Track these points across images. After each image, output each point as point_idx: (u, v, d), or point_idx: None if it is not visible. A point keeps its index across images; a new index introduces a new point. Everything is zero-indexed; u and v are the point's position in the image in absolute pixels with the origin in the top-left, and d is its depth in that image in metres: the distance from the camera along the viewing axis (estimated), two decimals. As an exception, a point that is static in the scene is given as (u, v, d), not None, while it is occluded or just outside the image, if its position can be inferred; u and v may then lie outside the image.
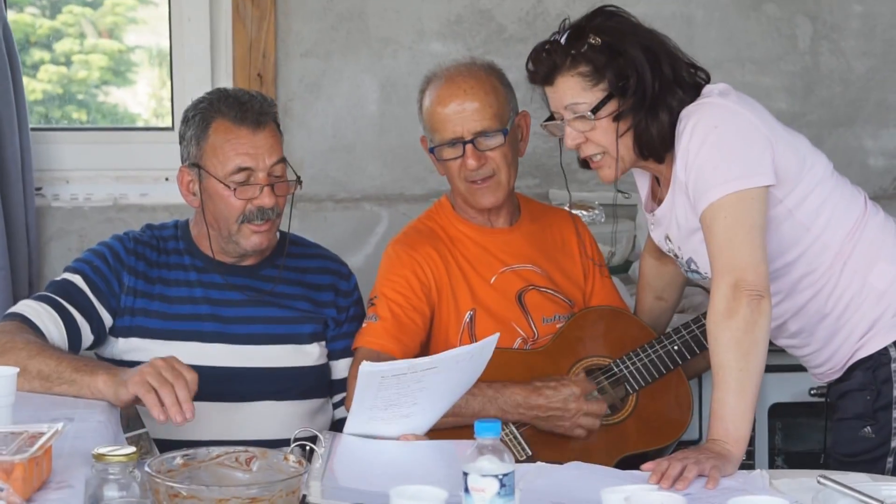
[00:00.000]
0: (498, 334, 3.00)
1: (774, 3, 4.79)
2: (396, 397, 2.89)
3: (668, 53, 3.14)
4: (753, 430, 3.79)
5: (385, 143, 4.68)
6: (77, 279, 3.33)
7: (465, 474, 2.32)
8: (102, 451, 2.36)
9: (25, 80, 4.53)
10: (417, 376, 2.86)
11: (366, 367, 2.83)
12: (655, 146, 3.12)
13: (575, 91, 3.11)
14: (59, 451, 2.53)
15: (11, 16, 4.66)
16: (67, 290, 3.31)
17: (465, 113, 3.44)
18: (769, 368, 3.71)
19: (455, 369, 2.94)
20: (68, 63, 4.83)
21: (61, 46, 4.82)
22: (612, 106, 3.10)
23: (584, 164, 3.23)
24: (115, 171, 4.65)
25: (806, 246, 3.10)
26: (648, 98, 3.08)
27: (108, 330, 3.34)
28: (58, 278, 3.36)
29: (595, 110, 3.10)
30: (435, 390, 2.93)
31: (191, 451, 2.58)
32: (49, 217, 4.55)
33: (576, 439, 3.38)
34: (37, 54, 4.80)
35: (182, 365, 2.92)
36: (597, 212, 4.36)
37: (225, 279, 3.41)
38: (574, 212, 4.07)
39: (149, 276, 3.39)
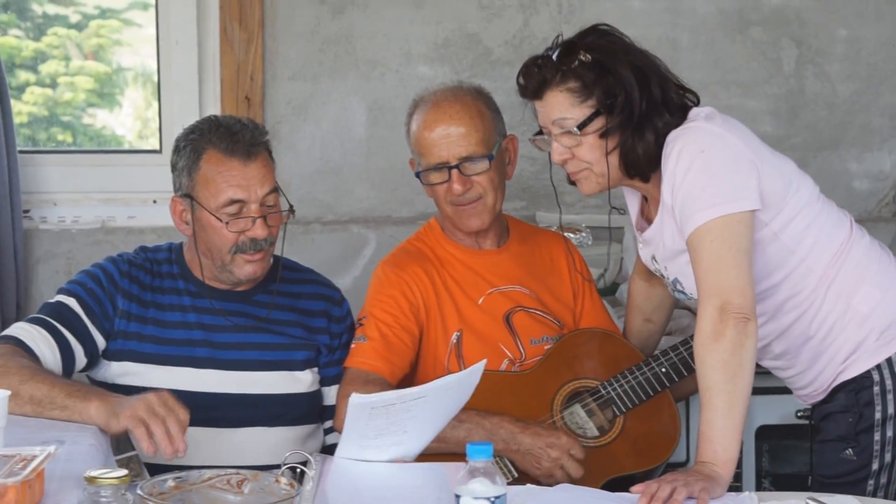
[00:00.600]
0: (485, 360, 2.99)
1: (760, 26, 4.82)
2: (386, 426, 2.88)
3: (658, 74, 3.16)
4: (741, 451, 3.79)
5: (373, 165, 4.69)
6: (71, 301, 3.32)
7: (458, 497, 2.33)
8: (94, 473, 2.36)
9: (11, 102, 4.53)
10: (407, 406, 2.85)
11: (355, 398, 2.82)
12: (641, 165, 3.14)
13: (563, 106, 3.13)
14: (51, 473, 2.53)
15: (-5, 39, 4.69)
16: (61, 312, 3.30)
17: (450, 138, 3.45)
18: (756, 391, 3.71)
19: (444, 397, 2.94)
20: (54, 85, 4.83)
21: (46, 68, 4.82)
22: (599, 123, 3.12)
23: (570, 180, 3.25)
24: (103, 193, 4.65)
25: (791, 268, 3.12)
26: (636, 117, 3.10)
27: (100, 353, 3.33)
28: (51, 300, 3.35)
29: (581, 126, 3.11)
30: (424, 418, 2.93)
31: (182, 474, 2.58)
32: (37, 239, 4.55)
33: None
34: (22, 76, 4.80)
35: (175, 402, 2.90)
36: (584, 234, 4.36)
37: (219, 304, 3.40)
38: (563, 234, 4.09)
39: (142, 299, 3.38)
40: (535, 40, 4.67)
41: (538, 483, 3.24)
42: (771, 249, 3.10)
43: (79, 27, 4.84)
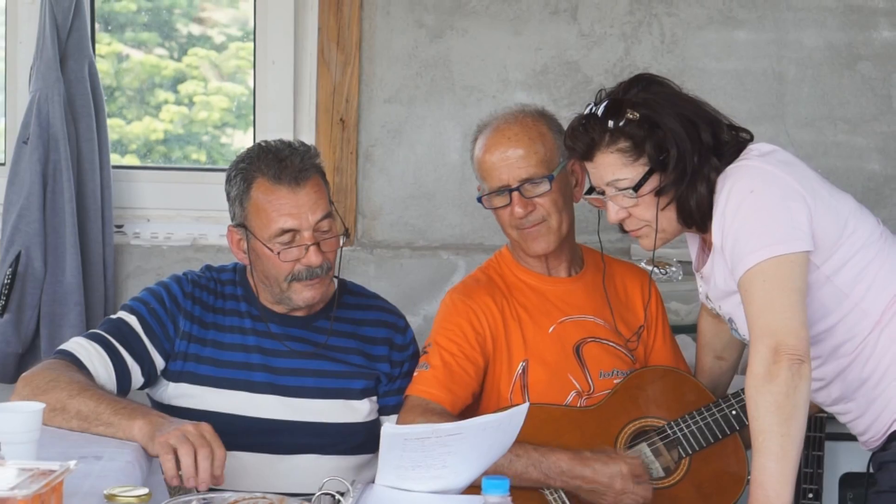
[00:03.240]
0: (528, 403, 2.93)
1: (870, 61, 4.67)
2: (423, 459, 2.82)
3: (707, 120, 3.09)
4: (821, 499, 3.67)
5: (465, 191, 4.64)
6: (133, 320, 3.32)
7: (472, 532, 2.27)
8: (115, 490, 2.35)
9: (147, 119, 4.59)
10: (442, 440, 2.79)
11: (388, 428, 2.77)
12: (695, 218, 3.07)
13: (615, 167, 3.08)
14: (78, 488, 2.53)
15: (139, 57, 4.73)
16: (122, 330, 3.30)
17: (509, 160, 3.42)
18: (840, 437, 3.62)
19: (482, 436, 2.86)
20: (190, 105, 4.87)
21: (185, 88, 4.86)
22: (653, 181, 3.07)
23: (621, 228, 3.18)
24: (195, 210, 4.68)
25: (845, 312, 3.02)
26: (689, 171, 3.04)
27: (160, 372, 3.33)
28: (113, 316, 3.36)
29: (637, 187, 3.06)
30: (464, 455, 2.85)
31: (208, 496, 2.55)
32: (127, 255, 4.59)
33: (623, 502, 3.30)
34: (161, 95, 4.85)
35: (213, 435, 2.88)
36: (674, 268, 4.27)
37: (278, 329, 3.38)
38: (649, 268, 4.01)
39: (204, 321, 3.37)
40: (636, 69, 4.53)
41: None
42: (824, 293, 3.01)
43: (219, 49, 4.87)
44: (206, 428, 2.88)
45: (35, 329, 4.36)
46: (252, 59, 4.75)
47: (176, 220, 4.67)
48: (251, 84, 4.86)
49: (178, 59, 4.87)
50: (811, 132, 4.65)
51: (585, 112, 3.14)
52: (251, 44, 4.79)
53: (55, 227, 4.35)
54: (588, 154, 3.11)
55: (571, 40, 4.65)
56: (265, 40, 4.63)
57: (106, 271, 4.45)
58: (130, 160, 4.75)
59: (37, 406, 2.63)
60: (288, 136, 4.32)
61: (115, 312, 4.42)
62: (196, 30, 4.91)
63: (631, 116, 3.04)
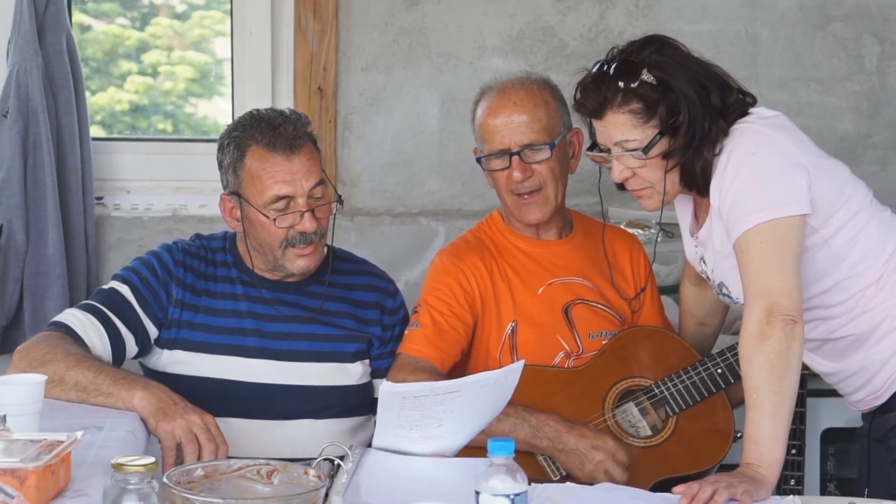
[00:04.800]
0: (523, 361, 2.97)
1: (841, 22, 4.72)
2: (420, 418, 2.87)
3: (717, 83, 3.10)
4: (804, 455, 3.73)
5: (444, 158, 4.67)
6: (125, 290, 3.34)
7: (477, 493, 2.31)
8: (122, 460, 2.35)
9: (113, 90, 4.58)
10: (440, 398, 2.83)
11: (386, 387, 2.82)
12: (698, 182, 3.09)
13: (626, 128, 3.08)
14: (83, 459, 2.55)
15: (101, 27, 4.72)
16: (114, 300, 3.32)
17: (513, 125, 3.45)
18: (822, 393, 3.68)
19: (478, 394, 2.91)
20: (154, 74, 4.87)
21: (149, 58, 4.86)
22: (662, 144, 3.07)
23: (621, 186, 3.20)
24: (175, 181, 4.68)
25: (841, 275, 3.07)
26: (698, 137, 3.05)
27: (153, 341, 3.35)
28: (105, 286, 3.38)
29: (647, 149, 3.06)
30: (460, 413, 2.91)
31: (213, 463, 2.58)
32: (109, 226, 4.59)
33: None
34: (125, 65, 4.85)
35: (218, 431, 2.92)
36: (653, 231, 4.31)
37: (270, 295, 3.40)
38: (630, 230, 4.05)
39: (196, 287, 3.39)
40: (611, 34, 4.62)
41: (589, 480, 3.23)
42: (820, 256, 3.05)
43: (182, 17, 4.87)
44: (210, 421, 2.92)
45: (18, 302, 4.36)
46: (216, 28, 4.77)
47: (156, 191, 4.67)
48: (216, 53, 4.87)
49: (141, 29, 4.86)
50: (784, 93, 4.70)
51: (594, 70, 3.13)
52: (215, 12, 4.79)
53: (36, 200, 4.35)
54: (598, 112, 3.10)
55: (546, 5, 4.68)
56: (242, 10, 4.63)
57: (88, 243, 4.45)
58: (96, 131, 4.74)
59: (39, 378, 2.65)
60: (266, 106, 4.33)
61: (97, 284, 4.48)
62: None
63: (646, 78, 3.03)
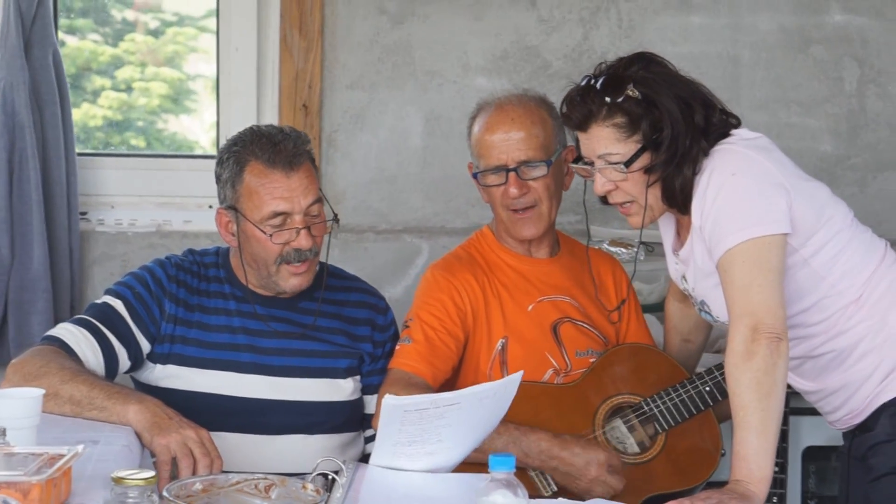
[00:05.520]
0: (522, 372, 2.99)
1: (822, 45, 4.77)
2: (420, 433, 2.88)
3: (702, 102, 3.13)
4: (785, 472, 3.76)
5: (428, 175, 4.69)
6: (118, 304, 3.34)
7: (478, 508, 2.33)
8: (121, 474, 2.37)
9: (86, 106, 4.59)
10: (440, 411, 2.85)
11: (389, 399, 2.83)
12: (678, 199, 3.12)
13: (609, 141, 3.11)
14: (81, 473, 2.56)
15: (74, 42, 4.73)
16: (108, 315, 3.32)
17: (510, 141, 3.47)
18: (804, 412, 3.70)
19: (478, 406, 2.93)
20: (129, 90, 4.88)
21: (122, 74, 4.87)
22: (644, 159, 3.10)
23: (605, 200, 3.22)
24: (160, 197, 4.70)
25: (821, 294, 3.10)
26: (679, 153, 3.08)
27: (145, 356, 3.35)
28: (98, 301, 3.38)
29: (628, 163, 3.09)
30: (459, 427, 2.93)
31: (211, 477, 2.60)
32: (93, 241, 4.59)
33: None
34: (98, 81, 4.85)
35: (213, 445, 2.93)
36: (636, 249, 4.34)
37: (263, 311, 3.41)
38: (612, 249, 4.09)
39: (189, 303, 3.40)
40: (595, 54, 4.65)
41: (578, 498, 3.21)
42: (801, 275, 3.08)
43: (156, 34, 4.88)
44: (205, 435, 2.93)
45: (3, 316, 4.36)
46: (189, 44, 4.79)
47: (140, 206, 4.67)
48: (187, 69, 4.88)
49: (115, 45, 4.87)
50: (765, 114, 4.74)
51: (583, 83, 3.16)
52: (189, 29, 4.80)
53: (22, 214, 4.35)
54: (583, 125, 3.14)
55: (531, 26, 4.71)
56: (228, 27, 4.65)
57: (72, 258, 4.46)
58: (74, 147, 4.74)
59: (37, 392, 2.66)
60: (251, 123, 4.35)
61: (81, 299, 4.48)
62: (131, 15, 4.91)
63: (631, 94, 3.07)
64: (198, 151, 4.97)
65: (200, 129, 5.02)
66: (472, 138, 3.58)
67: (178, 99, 4.93)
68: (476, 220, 4.54)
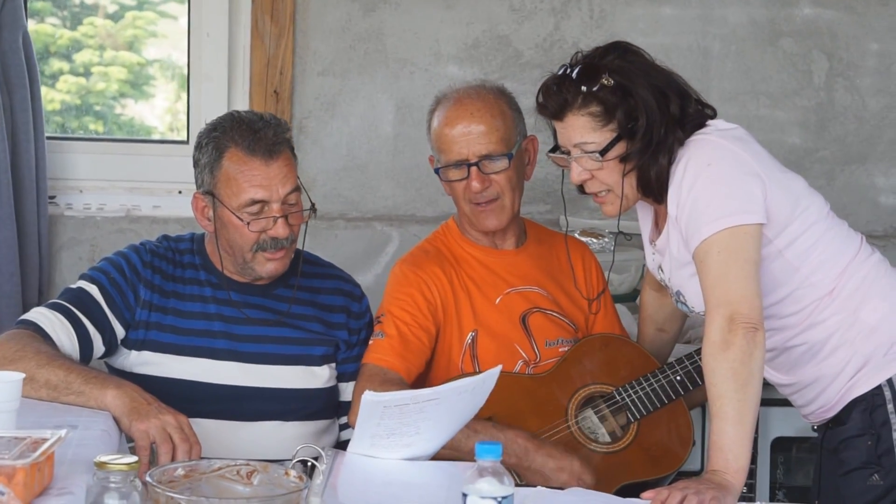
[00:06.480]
0: (500, 366, 2.99)
1: (791, 38, 4.80)
2: (398, 426, 2.89)
3: (677, 92, 3.15)
4: (755, 463, 3.79)
5: (398, 163, 4.70)
6: (93, 290, 3.33)
7: (465, 495, 2.33)
8: (104, 459, 2.36)
9: (44, 89, 4.56)
10: (420, 406, 2.86)
11: (368, 396, 2.84)
12: (653, 188, 3.13)
13: (584, 130, 3.11)
14: (62, 457, 2.55)
15: (32, 25, 4.69)
16: (82, 300, 3.31)
17: (471, 136, 3.46)
18: (772, 402, 3.73)
19: (457, 400, 2.94)
20: (87, 74, 4.85)
21: (81, 57, 4.84)
22: (620, 148, 3.11)
23: (582, 189, 3.23)
24: (129, 182, 4.68)
25: (795, 286, 3.11)
26: (654, 142, 3.09)
27: (119, 342, 3.34)
28: (73, 286, 3.36)
29: (604, 152, 3.10)
30: (437, 420, 2.94)
31: (193, 463, 2.59)
32: (61, 226, 4.57)
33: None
34: (56, 64, 4.82)
35: (192, 432, 2.93)
36: (606, 240, 4.36)
37: (238, 297, 3.41)
38: (584, 239, 4.10)
39: (164, 289, 3.39)
40: (566, 44, 4.67)
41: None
42: (775, 266, 3.09)
43: (115, 17, 4.85)
44: (184, 421, 2.93)
45: (-30, 300, 4.34)
46: (149, 28, 4.78)
47: (109, 191, 4.65)
48: (147, 54, 4.86)
49: (73, 29, 4.84)
50: (734, 106, 4.76)
51: (559, 73, 3.16)
52: (148, 13, 4.79)
53: (-10, 198, 4.33)
54: (559, 114, 3.14)
55: (502, 15, 4.71)
56: (199, 12, 4.63)
57: (41, 242, 4.43)
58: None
59: (17, 376, 2.63)
60: (222, 109, 4.34)
61: (49, 283, 4.46)
62: (89, -1, 4.90)
63: (606, 82, 3.07)
64: (155, 136, 4.94)
65: (154, 114, 4.99)
66: (431, 132, 3.56)
67: (136, 83, 4.91)
68: (446, 208, 4.53)
